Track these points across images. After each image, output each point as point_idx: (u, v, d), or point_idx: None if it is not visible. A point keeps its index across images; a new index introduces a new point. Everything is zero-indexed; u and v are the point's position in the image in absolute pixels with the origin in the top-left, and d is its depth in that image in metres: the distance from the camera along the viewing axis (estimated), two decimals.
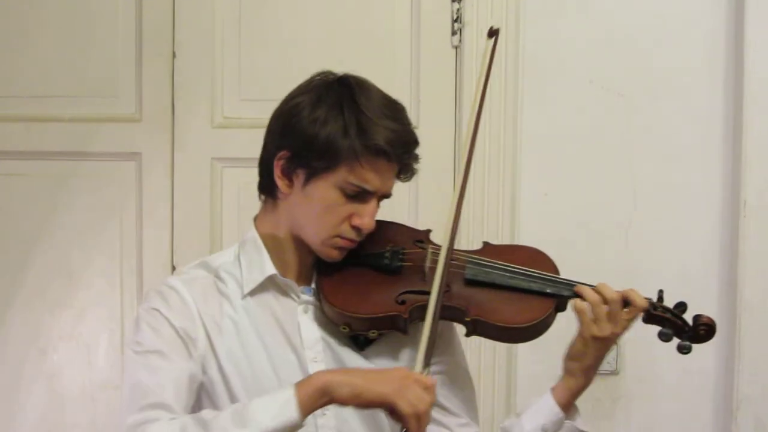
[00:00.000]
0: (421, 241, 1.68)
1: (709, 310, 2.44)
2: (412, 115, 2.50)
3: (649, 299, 1.61)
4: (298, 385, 1.44)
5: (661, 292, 1.64)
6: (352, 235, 1.59)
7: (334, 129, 1.54)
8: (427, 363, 1.51)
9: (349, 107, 1.55)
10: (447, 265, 1.57)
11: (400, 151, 1.56)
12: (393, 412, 1.44)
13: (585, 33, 2.50)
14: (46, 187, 2.63)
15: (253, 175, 2.54)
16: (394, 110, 1.60)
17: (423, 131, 2.52)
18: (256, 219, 1.69)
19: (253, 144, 2.56)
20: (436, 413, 1.66)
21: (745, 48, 2.42)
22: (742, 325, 2.43)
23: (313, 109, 1.56)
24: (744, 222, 2.43)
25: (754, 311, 2.43)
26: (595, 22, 2.50)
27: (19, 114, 2.63)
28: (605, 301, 1.59)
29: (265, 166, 1.64)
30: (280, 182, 1.60)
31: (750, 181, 2.43)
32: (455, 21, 2.53)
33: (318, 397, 1.43)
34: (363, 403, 1.45)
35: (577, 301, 1.60)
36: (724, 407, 2.49)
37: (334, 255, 1.61)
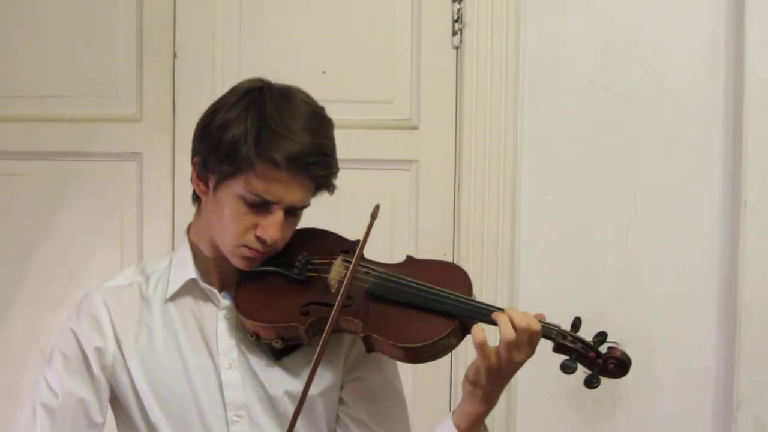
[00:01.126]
0: (347, 251, 1.63)
1: (709, 310, 2.47)
2: (412, 115, 2.55)
3: (557, 327, 1.51)
4: None
5: (577, 319, 1.52)
6: (257, 246, 1.55)
7: (236, 135, 1.51)
8: (312, 375, 1.49)
9: (254, 115, 1.52)
10: (351, 277, 1.53)
11: (301, 164, 1.51)
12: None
13: (585, 33, 2.50)
14: (46, 187, 2.63)
15: None
16: (311, 122, 1.55)
17: (423, 131, 2.55)
18: (189, 226, 1.69)
19: None
20: (358, 429, 1.65)
21: (745, 48, 2.42)
22: (742, 325, 2.42)
23: (227, 112, 1.55)
24: (744, 222, 2.43)
25: (754, 311, 2.43)
26: (595, 22, 2.50)
27: (19, 114, 2.63)
28: (515, 330, 1.46)
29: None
30: (197, 187, 1.60)
31: (750, 181, 2.43)
32: (456, 21, 2.53)
33: None
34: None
35: (478, 330, 1.47)
36: (724, 407, 2.49)
37: (243, 264, 1.59)
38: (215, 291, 1.63)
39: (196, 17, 2.58)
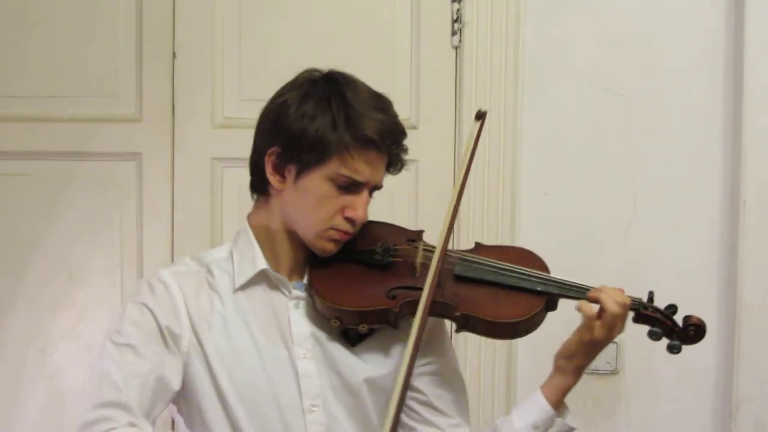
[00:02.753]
0: (413, 240, 1.69)
1: (709, 310, 2.47)
2: (412, 115, 2.55)
3: (639, 299, 1.62)
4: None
5: (651, 293, 1.64)
6: (345, 226, 1.60)
7: (323, 123, 1.56)
8: (414, 355, 1.52)
9: (337, 101, 1.57)
10: (441, 260, 1.59)
11: (389, 142, 1.59)
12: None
13: (585, 33, 2.50)
14: (46, 187, 2.63)
15: None
16: (381, 102, 1.62)
17: (423, 131, 2.55)
18: (249, 215, 1.70)
19: None
20: (427, 413, 1.68)
21: (745, 48, 2.42)
22: (742, 325, 2.43)
23: (300, 105, 1.58)
24: (744, 222, 2.43)
25: (754, 311, 2.43)
26: (595, 22, 2.50)
27: (19, 114, 2.63)
28: (617, 305, 1.57)
29: (255, 164, 1.66)
30: (273, 178, 1.61)
31: (750, 181, 2.43)
32: (455, 21, 2.53)
33: None
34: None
35: (586, 304, 1.59)
36: (723, 407, 2.49)
37: (330, 248, 1.62)
38: (286, 280, 1.64)
39: (196, 17, 2.58)
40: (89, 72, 2.61)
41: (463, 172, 1.66)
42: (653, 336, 1.61)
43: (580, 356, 1.61)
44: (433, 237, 1.68)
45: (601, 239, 2.50)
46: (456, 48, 2.54)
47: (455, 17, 2.53)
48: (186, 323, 1.59)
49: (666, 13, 2.49)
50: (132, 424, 1.49)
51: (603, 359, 2.28)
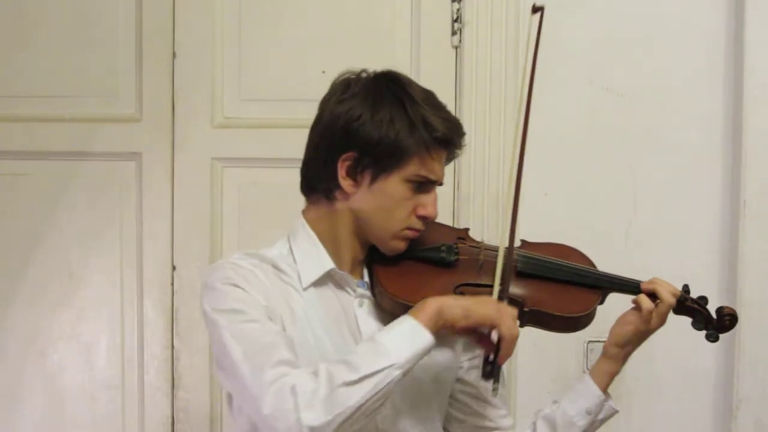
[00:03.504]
0: (462, 239, 1.76)
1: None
2: None
3: (680, 291, 1.73)
4: (415, 313, 1.51)
5: (686, 286, 1.76)
6: (419, 225, 1.66)
7: (400, 127, 1.60)
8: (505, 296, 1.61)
9: (410, 104, 1.62)
10: (511, 257, 1.66)
11: (458, 139, 1.66)
12: (486, 336, 1.54)
13: (585, 33, 2.50)
14: (46, 187, 2.63)
15: (253, 175, 2.59)
16: (436, 99, 1.69)
17: None
18: (305, 215, 1.72)
19: (253, 144, 2.59)
20: (477, 406, 1.77)
21: (745, 48, 2.42)
22: (742, 325, 2.42)
23: (374, 112, 1.61)
24: (744, 222, 2.43)
25: (754, 311, 2.43)
26: (595, 22, 2.50)
27: (19, 114, 2.63)
28: (672, 296, 1.70)
29: (313, 168, 1.67)
30: (345, 182, 1.64)
31: (750, 181, 2.43)
32: (455, 21, 2.53)
33: (436, 319, 1.51)
34: (470, 323, 1.53)
35: (644, 298, 1.69)
36: (723, 407, 2.49)
37: (402, 247, 1.68)
38: (351, 279, 1.68)
39: (195, 17, 2.58)
40: (89, 72, 2.61)
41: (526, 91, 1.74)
42: (697, 325, 1.74)
43: (633, 344, 1.72)
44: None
45: (601, 239, 2.50)
46: (456, 48, 2.54)
47: (455, 17, 2.53)
48: (276, 310, 1.60)
49: (666, 13, 2.49)
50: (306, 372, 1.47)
51: None
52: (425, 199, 1.65)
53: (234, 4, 2.58)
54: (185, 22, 2.58)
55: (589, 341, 2.47)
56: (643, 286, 1.72)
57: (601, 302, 1.72)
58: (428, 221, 1.67)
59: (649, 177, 2.51)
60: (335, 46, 2.55)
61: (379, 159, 1.61)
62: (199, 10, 2.58)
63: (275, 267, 1.65)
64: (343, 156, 1.62)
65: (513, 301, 1.63)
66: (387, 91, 1.63)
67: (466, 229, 1.80)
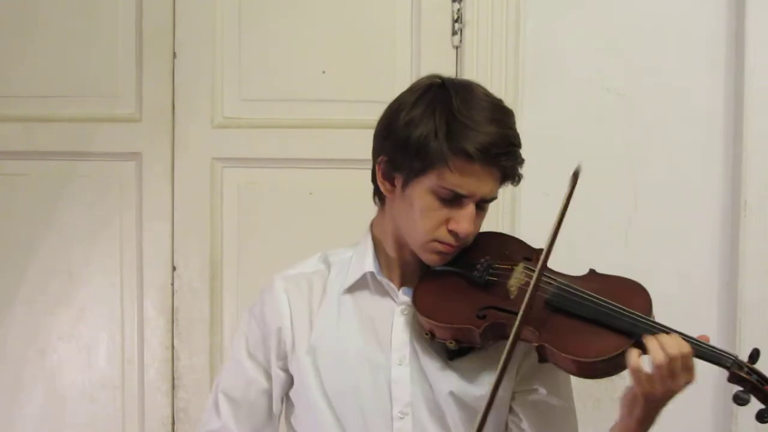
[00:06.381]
0: (529, 259, 1.63)
1: (709, 310, 2.47)
2: None
3: (733, 357, 1.52)
4: None
5: (755, 350, 1.54)
6: (449, 239, 1.57)
7: (425, 131, 1.53)
8: (499, 381, 1.48)
9: (442, 110, 1.54)
10: (535, 288, 1.52)
11: (493, 155, 1.53)
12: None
13: (585, 33, 2.50)
14: (46, 187, 2.63)
15: (253, 175, 2.59)
16: (496, 114, 1.57)
17: None
18: (373, 220, 1.71)
19: (253, 144, 2.59)
20: None
21: (746, 48, 2.42)
22: (742, 325, 2.42)
23: (410, 109, 1.57)
24: (744, 222, 2.43)
25: (754, 311, 2.43)
26: (595, 22, 2.50)
27: (19, 114, 2.63)
28: (669, 359, 1.45)
29: (372, 170, 1.65)
30: (383, 186, 1.62)
31: (750, 181, 2.43)
32: (455, 21, 2.53)
33: None
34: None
35: (632, 354, 1.46)
36: (724, 407, 2.49)
37: (434, 259, 1.60)
38: (393, 286, 1.64)
39: (196, 17, 2.58)
40: (89, 72, 2.61)
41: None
42: (739, 401, 1.52)
43: (640, 407, 1.52)
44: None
45: (601, 239, 2.50)
46: (456, 48, 2.54)
47: (455, 17, 2.52)
48: (287, 326, 1.65)
49: (666, 13, 2.49)
50: None
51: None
52: (457, 213, 1.55)
53: (234, 4, 2.58)
54: (185, 22, 2.58)
55: None
56: (642, 337, 1.48)
57: (645, 351, 1.47)
58: (460, 237, 1.56)
59: (650, 177, 2.50)
60: (335, 46, 2.54)
61: (406, 162, 1.55)
62: (199, 10, 2.58)
63: (329, 271, 1.68)
64: (379, 158, 1.60)
65: (528, 332, 1.52)
66: (430, 94, 1.57)
67: (540, 250, 1.61)
